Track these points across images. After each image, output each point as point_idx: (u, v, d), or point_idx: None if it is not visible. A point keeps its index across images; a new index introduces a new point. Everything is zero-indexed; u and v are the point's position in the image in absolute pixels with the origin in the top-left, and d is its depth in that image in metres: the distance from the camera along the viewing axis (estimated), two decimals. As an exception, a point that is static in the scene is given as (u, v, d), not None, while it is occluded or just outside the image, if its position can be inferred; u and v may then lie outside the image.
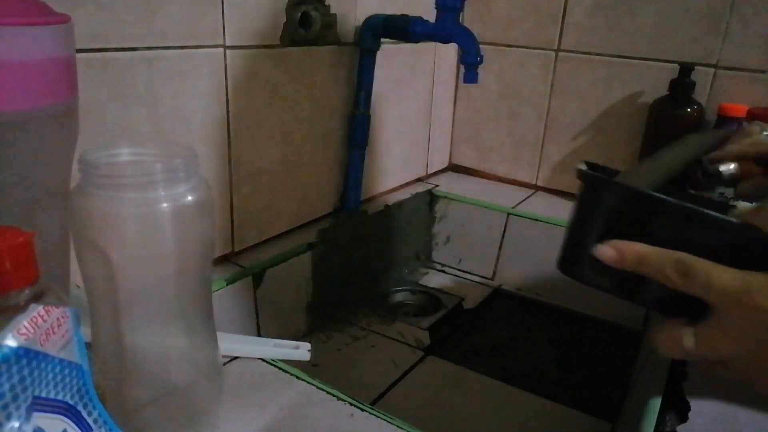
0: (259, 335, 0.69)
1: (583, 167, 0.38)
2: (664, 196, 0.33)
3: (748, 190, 0.48)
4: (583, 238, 0.36)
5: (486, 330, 0.83)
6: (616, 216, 0.35)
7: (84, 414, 0.28)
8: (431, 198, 0.99)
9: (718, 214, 0.33)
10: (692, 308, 0.32)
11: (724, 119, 0.80)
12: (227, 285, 0.64)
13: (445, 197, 0.99)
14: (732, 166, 0.48)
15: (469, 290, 0.92)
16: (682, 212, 0.33)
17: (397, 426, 0.45)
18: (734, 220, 0.33)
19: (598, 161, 0.73)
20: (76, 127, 0.41)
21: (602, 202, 0.35)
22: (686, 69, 0.82)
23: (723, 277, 0.31)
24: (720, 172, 0.48)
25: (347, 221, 0.81)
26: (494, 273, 0.96)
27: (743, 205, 0.34)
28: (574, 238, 0.37)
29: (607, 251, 0.34)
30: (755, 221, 0.32)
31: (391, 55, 0.85)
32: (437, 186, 1.01)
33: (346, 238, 0.81)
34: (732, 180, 0.49)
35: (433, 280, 0.96)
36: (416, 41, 0.73)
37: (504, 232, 0.94)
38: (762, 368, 0.31)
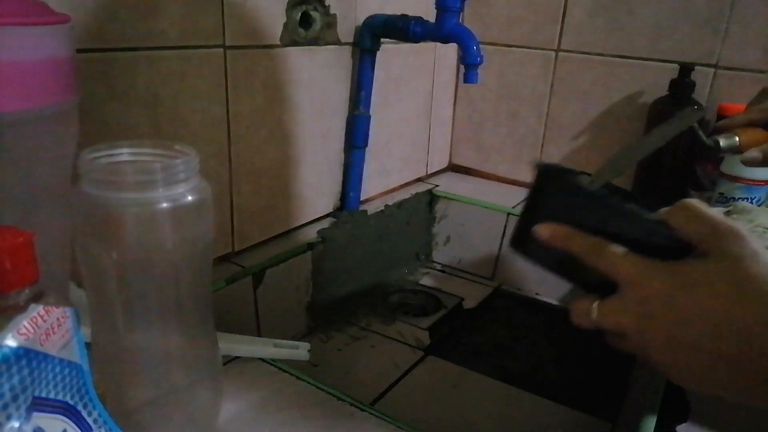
0: (258, 335, 0.69)
1: (539, 160, 0.43)
2: (594, 192, 0.40)
3: (755, 158, 0.50)
4: (529, 220, 0.42)
5: (486, 330, 0.83)
6: (556, 204, 0.41)
7: (84, 414, 0.28)
8: (431, 198, 1.00)
9: (638, 210, 0.38)
10: (606, 288, 0.38)
11: (723, 119, 0.80)
12: (227, 285, 0.64)
13: (445, 197, 0.99)
14: (732, 138, 0.51)
15: (468, 290, 0.92)
16: (608, 207, 0.39)
17: (397, 426, 0.45)
18: (651, 216, 0.38)
19: (598, 161, 0.74)
20: (76, 127, 0.41)
21: (546, 190, 0.42)
22: (686, 69, 0.82)
23: (627, 259, 0.36)
24: (718, 144, 0.51)
25: (347, 221, 0.81)
26: (494, 273, 0.96)
27: (663, 209, 0.38)
28: (523, 220, 0.43)
29: (541, 230, 0.40)
30: (669, 220, 0.37)
31: (390, 56, 0.85)
32: (437, 186, 1.01)
33: (346, 238, 0.81)
34: (732, 150, 0.51)
35: (433, 280, 0.96)
36: (416, 41, 0.73)
37: (504, 232, 0.94)
38: (650, 343, 0.36)
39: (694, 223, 0.36)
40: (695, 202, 0.37)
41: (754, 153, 0.50)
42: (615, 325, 0.37)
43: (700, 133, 0.52)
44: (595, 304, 0.38)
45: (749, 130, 0.51)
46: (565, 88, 0.96)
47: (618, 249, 0.37)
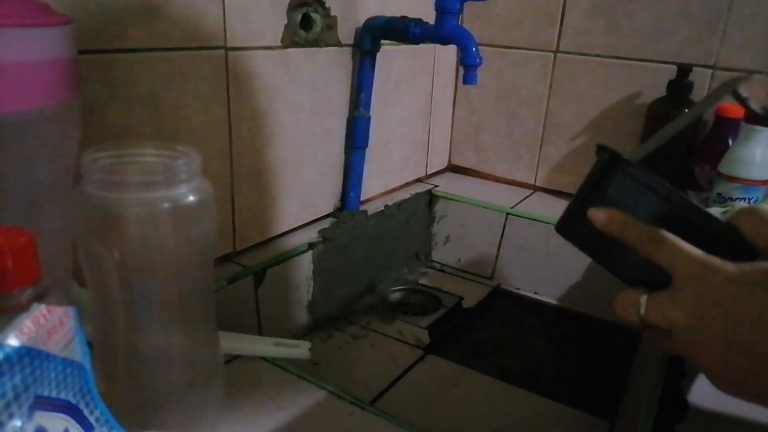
0: (260, 334, 0.69)
1: (604, 144, 0.42)
2: (668, 186, 0.38)
3: None
4: (583, 203, 0.40)
5: (485, 329, 0.84)
6: (617, 191, 0.40)
7: (86, 413, 0.28)
8: (431, 198, 1.00)
9: (707, 210, 0.37)
10: (657, 282, 0.36)
11: (722, 120, 0.81)
12: (228, 284, 0.64)
13: (445, 197, 0.99)
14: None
15: (468, 289, 0.92)
16: (675, 202, 0.37)
17: (397, 424, 0.45)
18: (720, 217, 0.37)
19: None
20: (78, 128, 0.41)
21: (610, 177, 0.40)
22: (684, 70, 0.82)
23: (689, 251, 0.35)
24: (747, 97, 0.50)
25: (347, 221, 0.81)
26: (493, 272, 0.96)
27: (719, 210, 0.37)
28: (576, 203, 0.42)
29: (598, 214, 0.39)
30: (738, 223, 0.36)
31: (390, 57, 0.86)
32: (437, 186, 1.01)
33: (347, 237, 0.81)
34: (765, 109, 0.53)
35: (433, 279, 0.96)
36: (416, 43, 0.73)
37: (503, 231, 0.94)
38: (700, 342, 0.34)
39: (763, 228, 0.35)
40: (764, 208, 0.36)
41: None
42: (664, 321, 0.36)
43: (749, 100, 0.50)
44: (644, 298, 0.36)
45: None
46: (564, 90, 0.96)
47: (679, 242, 0.36)
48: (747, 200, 0.73)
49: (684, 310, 0.34)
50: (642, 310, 0.36)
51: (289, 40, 0.68)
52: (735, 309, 0.33)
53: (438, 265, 1.00)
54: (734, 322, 0.32)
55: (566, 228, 0.43)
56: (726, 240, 0.36)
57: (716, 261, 0.34)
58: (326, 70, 0.75)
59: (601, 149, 0.42)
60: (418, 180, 1.04)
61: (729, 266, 0.34)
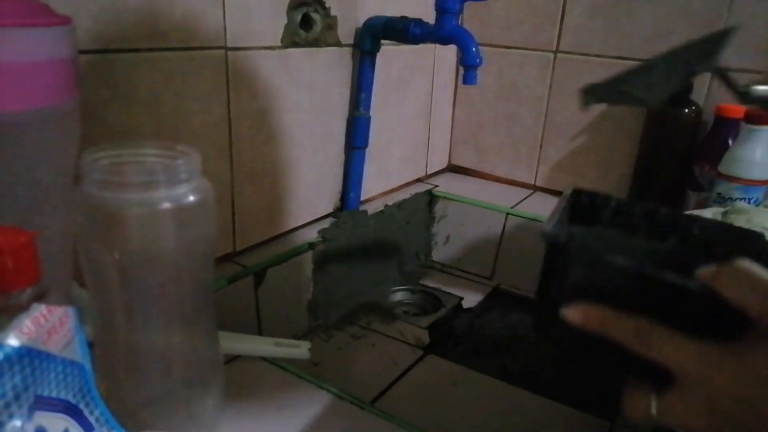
0: (260, 334, 0.69)
1: (548, 228, 0.37)
2: (622, 261, 0.33)
3: None
4: (551, 299, 0.36)
5: (485, 329, 0.84)
6: (579, 278, 0.35)
7: (86, 413, 0.28)
8: (431, 198, 1.00)
9: (676, 278, 0.32)
10: (661, 375, 0.32)
11: (722, 120, 0.81)
12: (228, 284, 0.64)
13: (445, 197, 0.99)
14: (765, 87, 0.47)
15: (468, 290, 0.92)
16: (645, 280, 0.33)
17: (397, 424, 0.45)
18: (695, 285, 0.32)
19: (597, 162, 0.74)
20: (77, 128, 0.41)
21: (565, 263, 0.35)
22: (684, 70, 0.82)
23: (681, 349, 0.31)
24: (747, 89, 0.46)
25: (347, 221, 0.81)
26: (493, 272, 0.96)
27: (703, 269, 0.32)
28: (544, 299, 0.37)
29: (572, 314, 0.34)
30: (718, 287, 0.31)
31: (390, 57, 0.86)
32: (437, 186, 1.01)
33: (347, 238, 0.81)
34: (762, 100, 0.46)
35: (433, 279, 0.96)
36: (416, 43, 0.73)
37: (503, 231, 0.94)
38: None
39: (750, 292, 0.30)
40: (746, 265, 0.31)
41: None
42: (682, 425, 0.32)
43: (730, 77, 0.46)
44: (654, 401, 0.33)
45: None
46: (564, 90, 0.96)
47: (668, 334, 0.32)
48: (747, 200, 0.73)
49: (700, 414, 0.31)
50: (654, 413, 0.33)
51: (289, 40, 0.68)
52: (754, 407, 0.30)
53: (438, 265, 1.00)
54: (756, 419, 0.30)
55: (543, 330, 0.39)
56: (710, 312, 0.32)
57: (714, 352, 0.31)
58: (326, 70, 0.75)
59: (545, 235, 0.36)
60: (418, 180, 1.04)
61: (731, 356, 0.30)
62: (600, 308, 0.34)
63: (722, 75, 0.46)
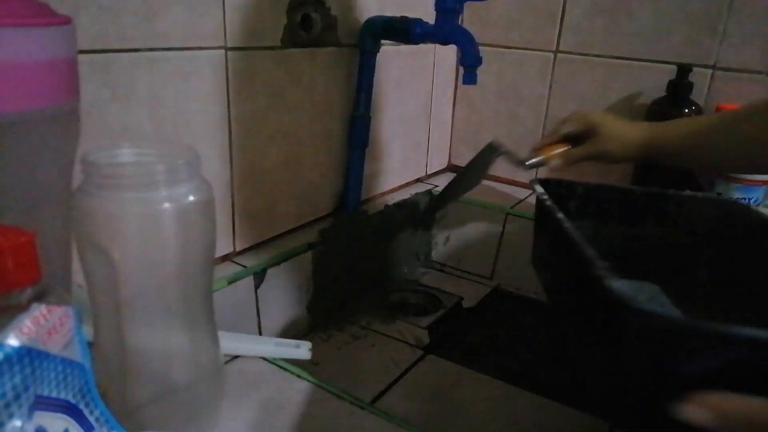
0: (260, 334, 0.69)
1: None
2: (695, 322, 0.29)
3: (558, 164, 0.69)
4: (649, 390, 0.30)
5: (485, 329, 0.84)
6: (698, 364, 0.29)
7: (86, 413, 0.28)
8: (431, 198, 1.00)
9: (754, 331, 0.28)
10: None
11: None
12: (228, 284, 0.64)
13: (445, 197, 0.99)
14: (536, 155, 0.70)
15: (468, 289, 0.92)
16: (717, 335, 0.28)
17: (397, 424, 0.45)
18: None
19: (597, 162, 0.73)
20: (77, 128, 0.41)
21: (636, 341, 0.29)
22: (684, 70, 0.82)
23: None
24: (522, 162, 0.70)
25: (347, 221, 0.81)
26: (493, 272, 0.96)
27: None
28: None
29: (698, 413, 0.27)
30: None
31: (390, 57, 0.86)
32: (437, 186, 1.01)
33: (347, 238, 0.81)
34: (539, 164, 0.70)
35: (433, 279, 0.96)
36: (416, 43, 0.73)
37: (503, 231, 0.94)
38: None
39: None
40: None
41: (556, 162, 0.69)
42: None
43: (512, 156, 0.69)
44: None
45: (550, 147, 0.70)
46: (564, 90, 0.96)
47: None
48: (747, 200, 0.73)
49: None
50: None
51: (289, 41, 0.68)
52: None
53: (438, 265, 1.00)
54: None
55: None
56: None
57: None
58: (326, 71, 0.75)
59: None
60: (418, 180, 1.04)
61: None
62: (714, 396, 0.27)
63: (507, 153, 0.70)
